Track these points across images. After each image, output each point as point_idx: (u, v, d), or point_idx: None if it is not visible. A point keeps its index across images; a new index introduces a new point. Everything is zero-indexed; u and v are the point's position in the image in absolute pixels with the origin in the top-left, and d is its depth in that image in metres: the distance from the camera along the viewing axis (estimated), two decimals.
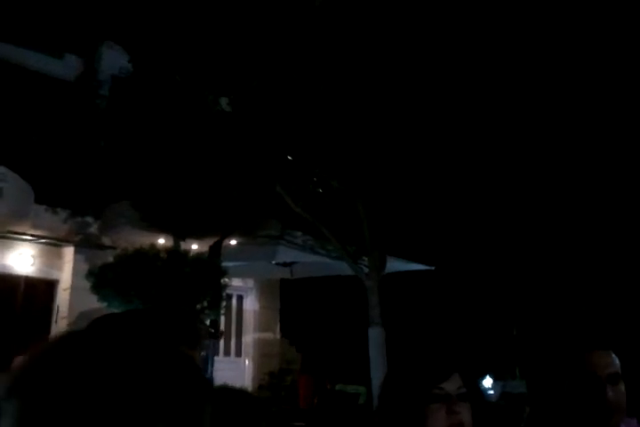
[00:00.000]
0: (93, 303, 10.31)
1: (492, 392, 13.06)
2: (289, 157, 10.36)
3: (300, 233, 12.16)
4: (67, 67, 12.74)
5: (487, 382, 13.30)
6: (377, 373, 9.66)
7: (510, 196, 14.80)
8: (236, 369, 13.49)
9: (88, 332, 0.89)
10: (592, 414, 1.93)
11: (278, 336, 14.71)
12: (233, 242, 11.96)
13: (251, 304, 14.52)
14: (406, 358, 1.94)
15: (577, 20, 12.32)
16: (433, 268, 12.93)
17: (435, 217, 13.56)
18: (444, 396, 1.75)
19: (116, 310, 9.98)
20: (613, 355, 2.05)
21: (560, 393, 2.00)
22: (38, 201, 11.15)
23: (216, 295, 10.41)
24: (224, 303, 11.18)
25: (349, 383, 12.68)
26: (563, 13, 12.21)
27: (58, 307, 11.78)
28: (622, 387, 1.99)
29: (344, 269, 10.97)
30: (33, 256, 11.65)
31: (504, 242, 15.32)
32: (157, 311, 1.19)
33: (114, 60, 12.15)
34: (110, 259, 10.43)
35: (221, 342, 13.69)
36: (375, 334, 9.89)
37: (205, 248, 11.40)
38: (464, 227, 14.95)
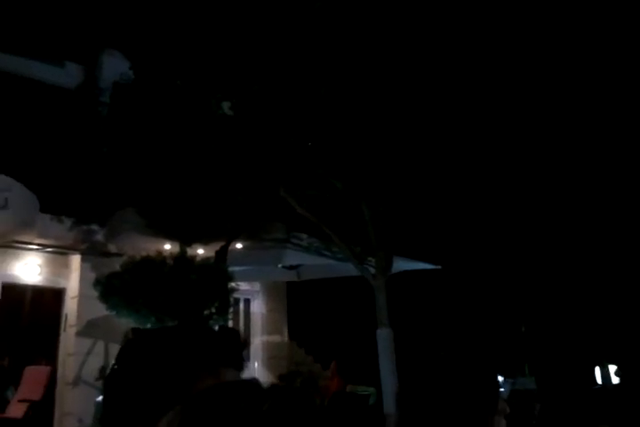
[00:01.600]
0: (101, 311, 10.34)
1: (501, 390, 13.06)
2: (291, 163, 10.33)
3: (305, 235, 12.17)
4: (68, 75, 12.75)
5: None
6: (386, 373, 9.67)
7: (517, 193, 14.80)
8: (244, 372, 13.48)
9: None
10: None
11: (286, 339, 14.71)
12: (239, 246, 11.97)
13: (258, 307, 14.52)
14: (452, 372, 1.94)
15: (577, 20, 12.31)
16: (440, 267, 12.92)
17: (440, 215, 13.55)
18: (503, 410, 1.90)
19: (124, 319, 10.01)
20: None
21: None
22: (43, 210, 11.16)
23: (223, 301, 10.41)
24: (231, 308, 11.18)
25: (359, 384, 12.68)
26: (563, 13, 12.19)
27: (66, 315, 11.79)
28: None
29: (350, 270, 10.98)
30: (39, 265, 11.67)
31: (510, 238, 15.32)
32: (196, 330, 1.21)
33: (115, 67, 12.16)
34: (117, 266, 10.44)
35: None
36: (384, 335, 9.90)
37: (212, 253, 11.41)
38: (470, 225, 14.95)
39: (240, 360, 1.47)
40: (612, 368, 13.66)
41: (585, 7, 12.16)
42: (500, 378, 13.28)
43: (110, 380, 1.12)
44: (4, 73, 11.93)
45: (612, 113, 13.99)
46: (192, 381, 0.93)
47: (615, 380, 13.63)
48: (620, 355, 13.87)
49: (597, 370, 13.88)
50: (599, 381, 13.76)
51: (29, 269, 11.55)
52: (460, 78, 10.57)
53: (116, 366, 1.10)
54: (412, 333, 13.06)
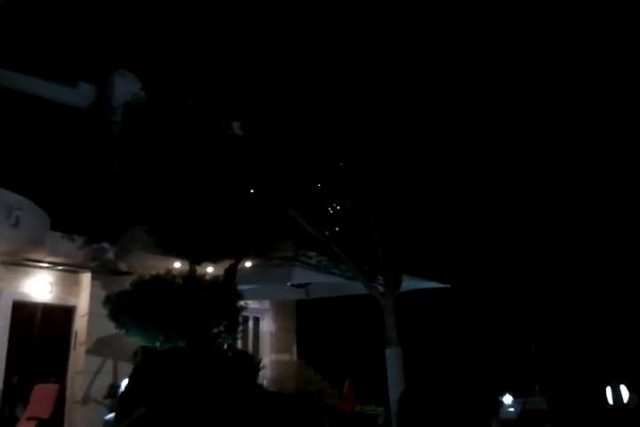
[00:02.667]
0: (111, 329, 10.37)
1: (512, 410, 12.95)
2: (300, 182, 10.39)
3: (314, 254, 12.18)
4: (80, 95, 12.92)
5: (507, 399, 13.20)
6: (395, 393, 9.61)
7: (528, 212, 14.78)
8: None
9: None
10: None
11: (295, 357, 14.68)
12: (248, 264, 12.00)
13: (267, 326, 14.51)
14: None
15: (577, 20, 12.34)
16: (449, 285, 12.88)
17: (450, 234, 13.55)
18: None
19: (133, 337, 10.04)
20: None
21: None
22: (54, 228, 11.26)
23: (232, 319, 10.43)
24: (240, 327, 11.19)
25: (368, 404, 12.63)
26: (563, 13, 12.22)
27: (76, 333, 11.84)
28: None
29: (359, 288, 10.97)
30: (50, 283, 11.74)
31: (521, 257, 15.28)
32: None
33: (126, 87, 12.29)
34: (127, 284, 10.48)
35: None
36: (393, 355, 9.85)
37: (221, 271, 11.44)
38: (480, 243, 14.93)
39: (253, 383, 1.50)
40: (624, 388, 13.54)
41: (585, 7, 12.20)
42: (511, 398, 13.19)
43: (124, 400, 1.15)
44: (17, 92, 12.10)
45: (612, 113, 13.97)
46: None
47: (627, 400, 13.50)
48: (631, 375, 13.76)
49: (608, 390, 13.76)
50: (610, 401, 13.63)
51: (40, 286, 11.62)
52: (465, 92, 10.60)
53: (129, 387, 1.13)
54: (422, 352, 13.02)
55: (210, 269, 11.72)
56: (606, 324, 15.05)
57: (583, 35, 12.55)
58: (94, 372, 11.29)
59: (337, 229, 10.87)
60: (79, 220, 11.91)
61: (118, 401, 1.23)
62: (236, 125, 10.70)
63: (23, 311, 11.46)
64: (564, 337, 15.53)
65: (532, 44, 12.04)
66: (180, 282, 10.27)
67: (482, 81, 10.92)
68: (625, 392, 13.49)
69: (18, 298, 11.42)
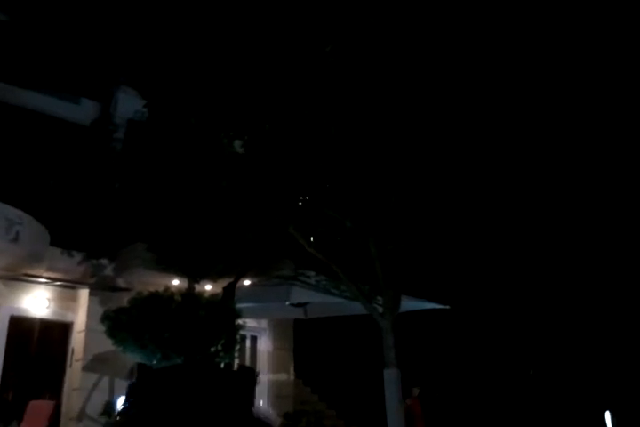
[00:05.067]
0: (108, 346, 10.32)
1: None
2: (300, 201, 10.41)
3: (313, 273, 12.16)
4: (83, 111, 12.98)
5: None
6: (393, 414, 9.55)
7: (526, 233, 14.77)
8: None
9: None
10: None
11: (292, 377, 14.59)
12: (247, 283, 11.98)
13: (265, 345, 14.44)
14: None
15: (577, 20, 12.38)
16: (448, 307, 12.85)
17: (449, 255, 13.52)
18: None
19: (130, 354, 9.99)
20: None
21: None
22: (54, 244, 11.25)
23: (230, 338, 10.38)
24: (238, 346, 11.13)
25: (364, 425, 12.54)
26: (563, 13, 12.26)
27: (73, 349, 11.77)
28: None
29: (358, 308, 10.92)
30: (48, 299, 11.71)
31: (520, 280, 15.25)
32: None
33: (129, 104, 12.37)
34: (125, 301, 10.46)
35: None
36: (391, 375, 9.78)
37: (219, 289, 11.41)
38: (479, 265, 14.90)
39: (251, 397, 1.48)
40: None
41: (585, 7, 12.24)
42: None
43: (122, 417, 1.13)
44: (20, 108, 12.16)
45: (612, 113, 13.98)
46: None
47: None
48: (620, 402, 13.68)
49: (607, 415, 13.67)
50: (609, 425, 13.54)
51: (38, 302, 11.59)
52: (463, 105, 10.61)
53: (127, 404, 1.12)
54: (420, 373, 12.95)
55: (208, 287, 11.70)
56: (606, 348, 14.99)
57: (583, 35, 12.59)
58: (90, 389, 11.22)
59: (337, 248, 10.85)
60: (78, 235, 11.91)
61: (121, 421, 1.21)
62: (237, 144, 10.74)
63: (20, 327, 11.41)
64: (562, 360, 15.45)
65: (532, 44, 12.07)
66: (179, 299, 10.24)
67: (480, 93, 10.94)
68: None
69: (15, 313, 11.38)
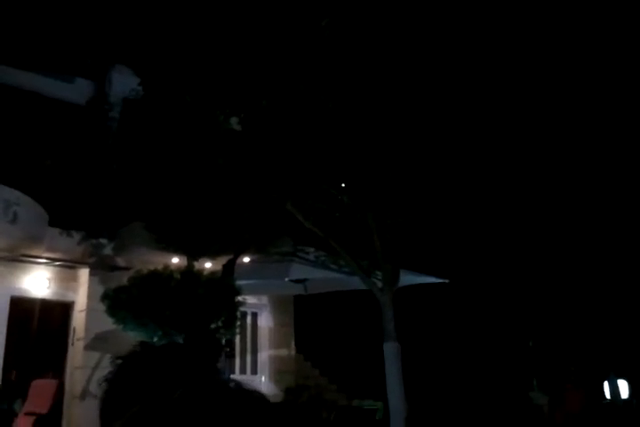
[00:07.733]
0: (109, 325, 10.38)
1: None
2: (298, 177, 10.39)
3: (312, 249, 12.19)
4: (78, 91, 12.89)
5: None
6: (393, 388, 9.64)
7: (526, 206, 14.78)
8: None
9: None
10: None
11: (293, 352, 14.71)
12: (246, 260, 12.01)
13: (265, 321, 14.54)
14: None
15: (577, 20, 12.32)
16: (447, 280, 12.90)
17: (447, 229, 13.54)
18: None
19: (131, 332, 10.05)
20: None
21: None
22: (52, 224, 11.26)
23: (230, 315, 10.44)
24: (238, 322, 11.20)
25: (366, 398, 12.65)
26: (563, 13, 12.20)
27: (74, 329, 11.84)
28: None
29: (357, 283, 10.98)
30: (48, 279, 11.74)
31: (519, 252, 15.28)
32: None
33: (124, 83, 12.28)
34: (125, 280, 10.50)
35: (237, 360, 13.72)
36: (391, 349, 9.86)
37: (219, 267, 11.45)
38: (478, 238, 14.93)
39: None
40: (621, 383, 13.58)
41: (585, 7, 12.18)
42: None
43: (111, 395, 1.12)
44: (14, 88, 12.08)
45: (612, 113, 13.96)
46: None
47: (624, 395, 13.55)
48: (630, 370, 13.79)
49: (606, 385, 13.80)
50: (608, 396, 13.67)
51: (38, 282, 11.62)
52: (464, 89, 10.59)
53: (114, 381, 1.11)
54: (420, 347, 13.03)
55: (208, 265, 11.73)
56: (605, 319, 15.07)
57: (583, 35, 12.54)
58: (92, 367, 11.30)
59: (335, 224, 10.85)
60: (77, 215, 11.91)
61: (102, 396, 1.19)
62: (234, 121, 10.69)
63: (21, 307, 11.46)
64: (561, 332, 15.55)
65: (532, 43, 12.03)
66: (178, 277, 10.28)
67: (482, 78, 10.92)
68: (624, 387, 13.54)
69: (16, 294, 11.42)
